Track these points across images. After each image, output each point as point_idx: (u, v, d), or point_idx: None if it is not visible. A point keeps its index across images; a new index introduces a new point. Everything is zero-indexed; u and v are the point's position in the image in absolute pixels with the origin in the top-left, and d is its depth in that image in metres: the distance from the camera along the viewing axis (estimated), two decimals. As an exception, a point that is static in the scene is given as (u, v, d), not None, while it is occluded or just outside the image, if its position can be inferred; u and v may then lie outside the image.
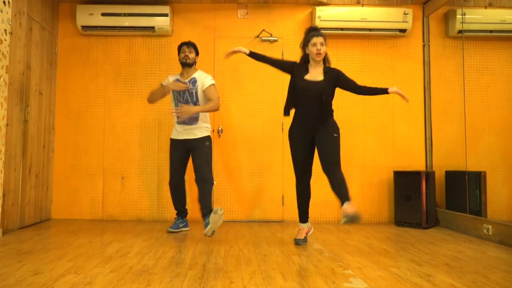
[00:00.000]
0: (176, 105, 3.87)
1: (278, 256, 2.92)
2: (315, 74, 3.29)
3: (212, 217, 3.29)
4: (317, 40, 3.24)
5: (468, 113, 4.15)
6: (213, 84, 3.81)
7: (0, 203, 3.49)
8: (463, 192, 4.13)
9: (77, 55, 4.68)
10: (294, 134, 3.34)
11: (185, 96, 3.81)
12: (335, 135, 3.20)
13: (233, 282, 2.25)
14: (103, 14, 4.50)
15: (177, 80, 3.88)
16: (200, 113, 3.78)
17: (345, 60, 4.69)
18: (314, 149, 3.33)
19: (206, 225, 3.40)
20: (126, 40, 4.68)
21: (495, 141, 4.17)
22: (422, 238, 3.65)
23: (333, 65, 4.66)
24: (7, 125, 3.60)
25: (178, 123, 3.84)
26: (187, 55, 3.84)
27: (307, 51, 3.31)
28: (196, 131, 3.79)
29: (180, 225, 3.93)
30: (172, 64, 4.64)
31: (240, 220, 4.57)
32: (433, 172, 4.41)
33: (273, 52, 4.61)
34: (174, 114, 3.70)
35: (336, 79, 3.29)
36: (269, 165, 4.61)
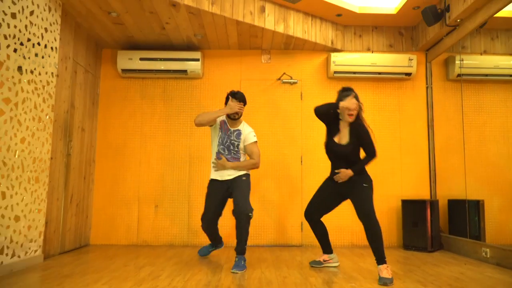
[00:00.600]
0: (218, 146, 3.92)
1: (297, 278, 3.28)
2: (343, 135, 3.47)
3: (239, 268, 3.51)
4: (351, 101, 3.33)
5: (467, 148, 4.60)
6: (256, 141, 3.91)
7: (42, 230, 3.87)
8: (464, 219, 4.57)
9: (117, 95, 5.22)
10: (326, 179, 3.67)
11: (228, 142, 3.88)
12: (364, 185, 3.42)
13: None
14: (141, 59, 5.03)
15: (225, 122, 3.94)
16: (243, 157, 3.92)
17: (357, 100, 5.21)
18: (339, 199, 3.62)
19: (236, 266, 3.56)
20: (161, 82, 5.22)
21: (492, 172, 4.59)
22: (428, 260, 4.09)
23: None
24: (51, 158, 4.04)
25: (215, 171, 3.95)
26: (237, 112, 3.84)
27: (339, 110, 3.40)
28: (230, 171, 3.88)
29: (210, 249, 4.23)
30: (202, 103, 5.17)
31: (263, 244, 5.01)
32: (437, 201, 4.87)
33: (293, 93, 5.16)
34: (212, 165, 3.91)
35: (358, 139, 3.44)
36: (289, 195, 5.07)
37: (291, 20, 4.78)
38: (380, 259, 3.23)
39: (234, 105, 3.82)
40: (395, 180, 5.13)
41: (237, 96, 3.87)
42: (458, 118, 4.71)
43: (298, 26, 4.82)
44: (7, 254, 3.32)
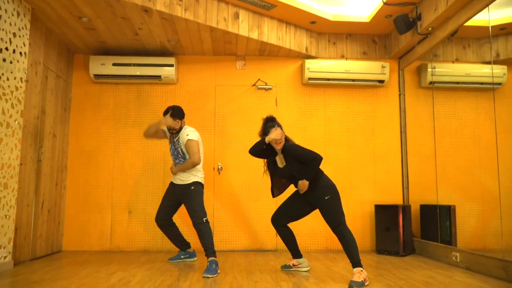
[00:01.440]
0: (172, 155, 4.15)
1: (268, 282, 3.29)
2: (280, 159, 3.64)
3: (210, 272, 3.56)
4: (276, 132, 3.50)
5: (439, 154, 4.69)
6: (189, 139, 3.96)
7: (12, 236, 3.81)
8: (435, 224, 4.66)
9: (90, 101, 5.16)
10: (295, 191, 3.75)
11: (175, 151, 4.10)
12: (326, 198, 3.50)
13: None
14: (114, 64, 4.99)
15: (171, 136, 4.17)
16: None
17: (331, 107, 5.27)
18: (309, 208, 3.72)
19: (207, 270, 3.59)
20: (135, 87, 5.18)
21: (463, 178, 4.68)
22: (399, 264, 4.14)
23: (321, 111, 5.25)
24: (20, 164, 3.98)
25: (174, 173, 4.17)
26: (173, 128, 4.02)
27: (267, 140, 3.53)
28: (183, 176, 4.05)
29: (182, 257, 4.29)
30: (176, 108, 5.15)
31: (238, 249, 5.00)
32: (409, 206, 4.94)
33: (267, 99, 5.18)
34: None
35: (293, 158, 3.53)
36: (264, 200, 5.08)
37: (265, 27, 4.81)
38: (355, 263, 3.29)
39: (165, 120, 4.02)
40: (368, 185, 5.19)
41: (173, 113, 4.02)
42: (430, 124, 4.80)
43: (272, 33, 4.85)
44: (-28, 262, 3.25)
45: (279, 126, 3.59)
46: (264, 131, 3.61)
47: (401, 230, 4.69)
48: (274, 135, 3.51)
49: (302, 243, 5.03)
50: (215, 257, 3.74)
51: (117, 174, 5.07)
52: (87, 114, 5.14)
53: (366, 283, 3.18)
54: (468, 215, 4.54)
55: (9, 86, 3.72)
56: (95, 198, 5.03)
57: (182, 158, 4.08)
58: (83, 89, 5.18)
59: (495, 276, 3.50)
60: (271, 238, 5.03)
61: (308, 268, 3.84)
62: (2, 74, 3.61)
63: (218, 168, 5.09)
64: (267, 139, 3.54)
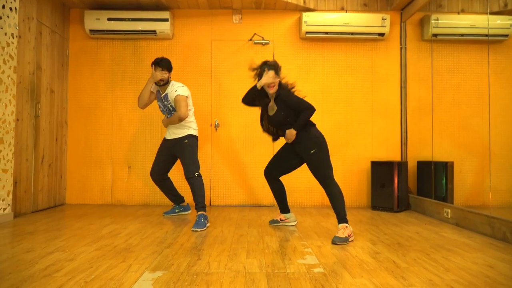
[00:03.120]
0: (163, 112, 4.19)
1: (253, 236, 3.36)
2: (271, 106, 3.54)
3: (199, 226, 3.66)
4: (267, 76, 3.41)
5: (440, 109, 4.58)
6: (178, 94, 3.93)
7: (11, 189, 3.96)
8: (430, 180, 4.63)
9: (87, 57, 5.15)
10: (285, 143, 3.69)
11: (165, 109, 4.11)
12: (311, 152, 3.39)
13: (200, 258, 2.63)
14: (109, 19, 4.93)
15: (158, 92, 4.14)
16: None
17: (330, 61, 5.15)
18: (299, 160, 3.62)
19: (196, 224, 3.68)
20: (131, 43, 5.14)
21: (465, 134, 4.60)
22: (390, 220, 4.16)
23: (319, 66, 5.14)
24: (17, 120, 4.06)
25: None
26: (161, 79, 3.97)
27: (258, 86, 3.45)
28: (177, 130, 4.09)
29: (176, 210, 4.39)
30: (174, 64, 5.06)
31: (234, 204, 5.09)
32: (406, 162, 4.90)
33: (264, 54, 5.08)
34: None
35: (285, 105, 3.44)
36: (261, 156, 5.10)
37: (260, -22, 4.64)
38: (340, 219, 3.30)
39: (156, 74, 3.96)
40: (366, 142, 5.14)
41: (161, 64, 3.97)
42: (431, 79, 4.65)
43: (268, -16, 4.69)
44: (-30, 213, 3.41)
45: (275, 68, 3.46)
46: (259, 75, 3.51)
47: (395, 186, 4.68)
48: (266, 79, 3.41)
49: (298, 198, 5.09)
50: (205, 211, 3.83)
51: (116, 130, 5.13)
52: (85, 70, 5.16)
53: (350, 239, 3.21)
54: (468, 171, 4.48)
55: (-1, 42, 3.74)
56: (95, 153, 5.14)
57: (172, 115, 4.09)
58: (80, 44, 5.16)
59: (482, 232, 3.50)
60: (267, 193, 5.08)
61: (295, 223, 3.90)
62: (-9, 29, 3.63)
63: (215, 124, 5.10)
64: (258, 84, 3.44)
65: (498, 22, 4.23)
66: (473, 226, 3.63)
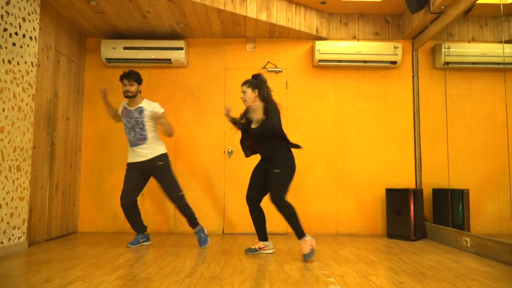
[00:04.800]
0: (126, 134, 4.08)
1: (272, 265, 3.31)
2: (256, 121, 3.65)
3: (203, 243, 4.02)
4: (241, 89, 3.70)
5: (453, 137, 4.58)
6: (164, 111, 4.02)
7: (26, 217, 3.93)
8: (447, 208, 4.58)
9: (102, 84, 5.20)
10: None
11: (132, 122, 4.02)
12: (275, 170, 3.57)
13: None
14: (125, 48, 5.03)
15: (124, 108, 4.09)
16: (150, 134, 4.02)
17: (342, 89, 5.19)
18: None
19: (200, 242, 4.02)
20: (145, 71, 5.20)
21: (478, 162, 4.58)
22: (408, 249, 4.10)
23: (332, 93, 5.18)
24: (34, 147, 4.08)
25: (131, 146, 4.08)
26: (128, 90, 3.99)
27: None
28: (144, 150, 4.02)
29: (141, 240, 4.21)
30: (187, 92, 5.18)
31: (248, 232, 5.04)
32: (421, 190, 4.87)
33: (278, 82, 5.14)
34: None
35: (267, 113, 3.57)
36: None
37: (274, 8, 4.74)
38: (299, 235, 3.55)
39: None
40: (380, 169, 5.12)
41: (130, 76, 4.03)
42: (444, 106, 4.67)
43: (281, 14, 4.78)
44: (-12, 241, 3.39)
45: (247, 83, 3.67)
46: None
47: (412, 214, 4.63)
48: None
49: (311, 226, 5.04)
50: (199, 224, 3.98)
51: (129, 157, 5.14)
52: (100, 98, 5.20)
53: (314, 248, 3.53)
54: (483, 199, 4.45)
55: (19, 70, 3.80)
56: (108, 180, 5.13)
57: (140, 129, 4.01)
58: (96, 73, 5.24)
59: (503, 260, 3.43)
60: (281, 221, 5.02)
61: (273, 251, 3.90)
62: (12, 58, 3.68)
63: (229, 151, 5.11)
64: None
65: (508, 51, 4.28)
66: (493, 255, 3.57)
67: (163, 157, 4.06)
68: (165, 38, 5.15)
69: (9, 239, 3.66)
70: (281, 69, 5.19)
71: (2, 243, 3.55)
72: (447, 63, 4.79)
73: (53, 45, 4.47)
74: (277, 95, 5.00)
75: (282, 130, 3.62)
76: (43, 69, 4.28)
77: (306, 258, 3.47)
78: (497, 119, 4.51)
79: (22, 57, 3.83)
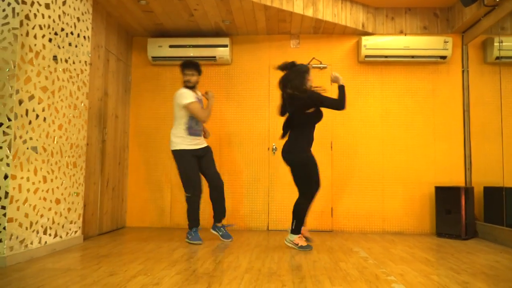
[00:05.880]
0: (190, 122, 4.16)
1: (327, 262, 3.30)
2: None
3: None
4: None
5: (505, 133, 4.45)
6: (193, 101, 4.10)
7: (81, 212, 4.05)
8: (500, 207, 4.45)
9: (148, 82, 5.31)
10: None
11: None
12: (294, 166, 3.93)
13: (285, 285, 2.58)
14: (171, 46, 5.09)
15: (197, 96, 4.20)
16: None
17: (389, 85, 5.11)
18: None
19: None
20: (191, 69, 5.26)
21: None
22: (461, 248, 4.01)
23: (378, 90, 5.11)
24: (87, 144, 4.20)
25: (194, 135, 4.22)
26: (189, 80, 4.16)
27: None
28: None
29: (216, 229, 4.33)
30: (231, 89, 5.20)
31: (292, 229, 5.03)
32: (472, 188, 4.74)
33: (322, 78, 5.08)
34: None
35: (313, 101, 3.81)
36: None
37: (320, 4, 4.70)
38: (293, 230, 3.82)
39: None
40: (428, 166, 5.02)
41: (186, 65, 4.20)
42: (496, 103, 4.53)
43: (327, 10, 4.74)
44: (50, 234, 3.52)
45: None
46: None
47: (463, 213, 4.52)
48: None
49: (357, 224, 5.00)
50: (189, 228, 4.16)
51: (175, 154, 5.21)
52: (146, 96, 5.31)
53: (298, 246, 3.78)
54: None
55: (75, 69, 3.90)
56: (155, 177, 5.22)
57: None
58: (142, 71, 5.34)
59: None
60: (327, 218, 5.01)
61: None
62: (69, 57, 3.79)
63: (273, 148, 5.11)
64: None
65: None
66: (557, 256, 3.44)
67: (173, 153, 4.21)
68: (209, 35, 5.18)
69: (67, 233, 3.78)
70: (325, 65, 5.14)
71: (61, 237, 3.68)
72: (499, 57, 4.64)
73: (103, 44, 4.57)
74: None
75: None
76: (95, 68, 4.38)
77: (287, 240, 3.86)
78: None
79: (77, 56, 3.93)
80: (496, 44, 4.66)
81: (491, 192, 4.68)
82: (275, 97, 5.15)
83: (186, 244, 4.06)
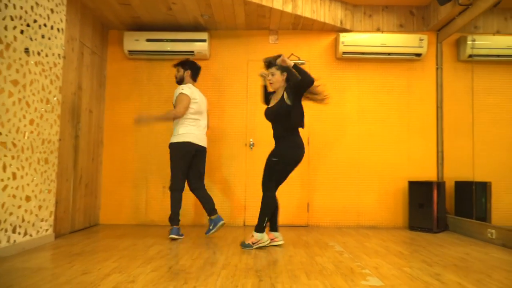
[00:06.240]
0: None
1: (303, 257, 3.33)
2: (274, 98, 3.82)
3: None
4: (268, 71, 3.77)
5: (477, 130, 4.57)
6: (180, 93, 4.08)
7: (53, 210, 3.95)
8: (470, 201, 4.58)
9: (124, 77, 5.22)
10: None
11: None
12: (273, 158, 3.70)
13: (262, 280, 2.58)
14: (148, 40, 5.01)
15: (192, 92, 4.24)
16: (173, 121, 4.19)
17: (366, 81, 5.18)
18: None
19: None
20: (168, 63, 5.18)
21: (501, 154, 4.57)
22: (433, 241, 4.11)
23: (355, 86, 5.16)
24: (60, 140, 4.08)
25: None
26: (175, 76, 4.31)
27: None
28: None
29: (210, 227, 4.23)
30: (209, 84, 5.17)
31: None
32: (444, 183, 4.86)
33: (299, 74, 5.11)
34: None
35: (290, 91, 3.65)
36: (295, 175, 5.09)
37: (300, 0, 4.70)
38: (256, 228, 3.66)
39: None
40: (403, 161, 5.12)
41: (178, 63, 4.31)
42: (468, 99, 4.66)
43: (306, 6, 4.75)
44: (19, 233, 3.40)
45: (269, 64, 3.76)
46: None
47: (435, 206, 4.64)
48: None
49: (334, 219, 5.06)
50: (171, 226, 4.09)
51: (152, 150, 5.16)
52: (122, 90, 5.22)
53: (254, 246, 3.64)
54: (505, 191, 4.46)
55: (48, 62, 3.79)
56: (130, 173, 5.15)
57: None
58: (118, 65, 5.24)
59: (534, 254, 3.44)
60: (303, 213, 5.05)
61: (283, 243, 3.88)
62: (41, 50, 3.68)
63: (250, 144, 5.11)
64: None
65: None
66: (524, 248, 3.57)
67: (171, 145, 4.15)
68: (187, 30, 5.13)
69: (37, 231, 3.68)
70: (304, 61, 5.16)
71: (31, 235, 3.57)
72: (472, 55, 4.76)
73: (78, 37, 4.46)
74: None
75: (301, 120, 3.70)
76: (69, 61, 4.27)
77: (242, 245, 3.65)
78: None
79: (50, 49, 3.83)
80: (469, 42, 4.78)
81: (462, 187, 4.82)
82: (254, 93, 5.16)
83: (161, 241, 4.01)
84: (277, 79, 3.71)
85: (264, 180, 3.71)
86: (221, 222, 4.13)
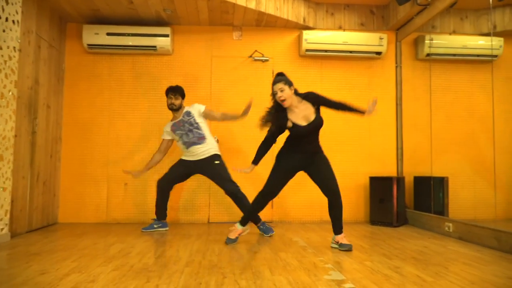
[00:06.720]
0: (182, 143, 4.31)
1: (267, 253, 3.35)
2: (299, 117, 3.56)
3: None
4: (276, 87, 3.47)
5: (434, 126, 4.72)
6: (205, 106, 4.36)
7: (8, 208, 3.80)
8: (428, 195, 4.74)
9: (83, 72, 5.06)
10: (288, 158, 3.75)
11: (186, 126, 4.27)
12: (325, 164, 3.86)
13: (226, 277, 2.59)
14: (108, 34, 4.87)
15: (172, 125, 4.34)
16: (206, 132, 4.32)
17: (328, 78, 5.24)
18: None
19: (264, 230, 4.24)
20: (129, 58, 5.08)
21: (457, 150, 4.75)
22: (393, 235, 4.23)
23: (318, 83, 5.22)
24: (15, 136, 3.92)
25: (187, 147, 4.30)
26: (173, 103, 4.31)
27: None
28: (199, 150, 4.28)
29: (155, 226, 4.42)
30: (173, 80, 5.07)
31: (234, 221, 5.03)
32: (403, 178, 5.01)
33: (264, 70, 5.13)
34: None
35: (317, 102, 3.62)
36: (261, 172, 5.09)
37: (263, -4, 4.72)
38: (241, 220, 3.81)
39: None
40: (364, 157, 5.23)
41: (172, 88, 4.36)
42: (426, 97, 4.81)
43: (270, 3, 4.76)
44: (-29, 234, 3.25)
45: (279, 80, 3.51)
46: (273, 95, 3.54)
47: (395, 201, 4.77)
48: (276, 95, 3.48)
49: (298, 214, 5.11)
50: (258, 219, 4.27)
51: (113, 146, 5.03)
52: (81, 85, 5.06)
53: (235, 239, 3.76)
54: (460, 186, 4.65)
55: (2, 55, 3.63)
56: (90, 170, 5.01)
57: (197, 129, 4.28)
58: (77, 59, 5.07)
59: (487, 245, 3.59)
60: (267, 209, 5.03)
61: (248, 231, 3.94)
62: (-5, 43, 3.52)
63: (215, 140, 5.06)
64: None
65: (483, 43, 4.43)
66: (478, 240, 3.72)
67: (218, 157, 4.32)
68: (150, 24, 5.02)
69: (-8, 231, 3.54)
70: (267, 58, 5.18)
71: (-15, 235, 3.43)
72: (429, 54, 4.92)
73: (34, 30, 4.28)
74: (263, 84, 5.04)
75: None
76: (25, 54, 4.10)
77: (227, 241, 3.73)
78: (475, 109, 4.69)
79: (4, 41, 3.66)
80: (427, 41, 4.93)
81: (420, 181, 4.97)
82: (217, 89, 5.13)
83: (123, 239, 3.92)
84: (288, 94, 3.46)
85: (336, 183, 3.79)
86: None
